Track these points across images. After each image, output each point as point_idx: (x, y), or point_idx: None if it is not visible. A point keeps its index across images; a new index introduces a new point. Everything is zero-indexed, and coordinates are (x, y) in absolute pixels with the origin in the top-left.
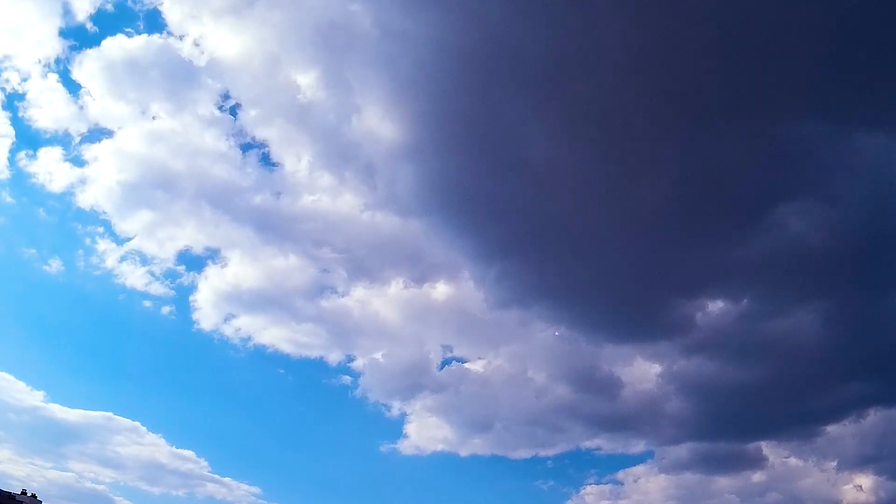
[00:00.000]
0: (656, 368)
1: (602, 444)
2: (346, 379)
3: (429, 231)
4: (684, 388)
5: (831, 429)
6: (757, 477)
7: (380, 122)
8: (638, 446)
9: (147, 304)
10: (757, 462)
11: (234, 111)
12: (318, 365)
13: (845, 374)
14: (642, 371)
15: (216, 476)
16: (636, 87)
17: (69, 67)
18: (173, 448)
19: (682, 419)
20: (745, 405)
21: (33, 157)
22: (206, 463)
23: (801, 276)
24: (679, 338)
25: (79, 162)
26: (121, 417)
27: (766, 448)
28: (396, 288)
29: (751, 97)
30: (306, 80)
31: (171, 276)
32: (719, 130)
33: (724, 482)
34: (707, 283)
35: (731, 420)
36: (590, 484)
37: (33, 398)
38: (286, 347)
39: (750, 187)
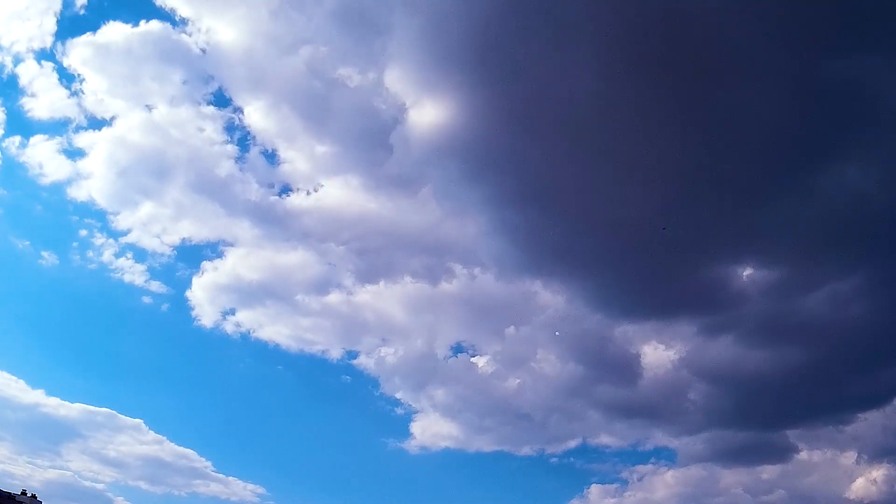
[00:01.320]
0: (677, 349)
1: (613, 438)
2: (349, 376)
3: (437, 191)
4: (707, 372)
5: (866, 416)
6: (772, 471)
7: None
8: (653, 439)
9: (147, 299)
10: (784, 453)
11: (231, 100)
12: (321, 361)
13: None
14: (661, 353)
15: (220, 475)
16: (659, 30)
17: (64, 54)
18: (175, 446)
19: (702, 407)
20: (774, 391)
21: (25, 145)
22: (207, 462)
23: (845, 244)
24: (706, 314)
25: (73, 152)
26: (121, 415)
27: (794, 437)
28: (402, 282)
29: (788, 30)
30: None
31: (169, 270)
32: (754, 72)
33: (731, 478)
34: (740, 250)
35: (756, 408)
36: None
37: (31, 396)
38: (289, 343)
39: (790, 138)
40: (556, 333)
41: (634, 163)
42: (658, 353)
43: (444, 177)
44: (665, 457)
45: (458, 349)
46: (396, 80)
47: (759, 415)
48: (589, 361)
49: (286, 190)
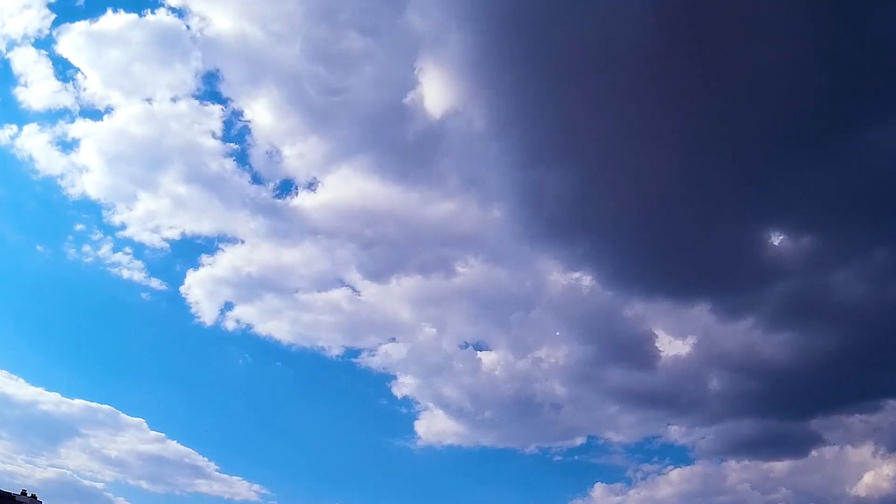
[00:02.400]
0: (694, 332)
1: (621, 435)
2: (353, 372)
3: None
4: (726, 357)
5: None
6: (787, 466)
7: None
8: (664, 436)
9: (145, 295)
10: (803, 446)
11: (230, 91)
12: (324, 357)
13: None
14: (678, 336)
15: (222, 475)
16: None
17: (56, 42)
18: (176, 444)
19: (721, 394)
20: (799, 377)
21: (17, 135)
22: (207, 460)
23: (880, 214)
24: (728, 293)
25: (68, 143)
26: (122, 413)
27: (817, 427)
28: (407, 276)
29: None
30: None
31: (168, 264)
32: (781, 32)
33: (742, 473)
34: (768, 219)
35: (778, 396)
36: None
37: (29, 393)
38: (291, 339)
39: (822, 100)
40: (557, 333)
41: (656, 123)
42: (674, 335)
43: (461, 137)
44: (673, 454)
45: (464, 344)
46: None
47: (781, 403)
48: (600, 346)
49: (288, 183)
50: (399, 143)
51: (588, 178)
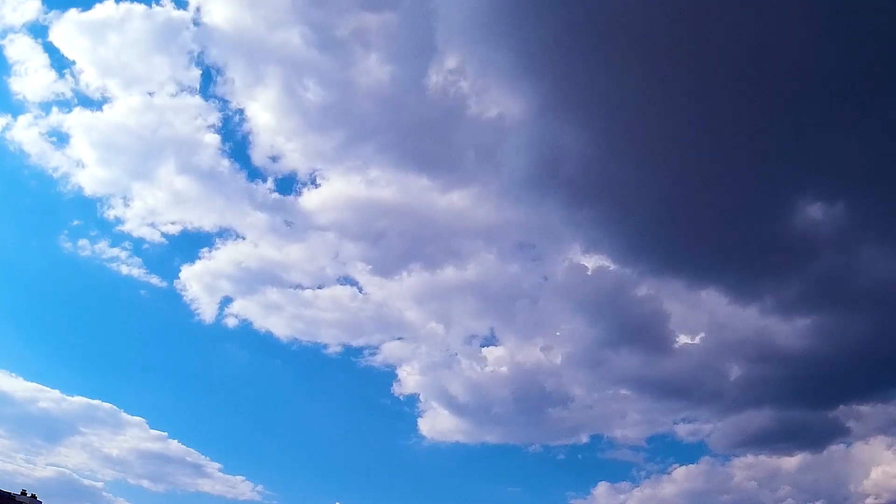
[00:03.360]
0: (714, 314)
1: (628, 431)
2: (357, 369)
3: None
4: (748, 343)
5: None
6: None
7: None
8: (679, 429)
9: (143, 292)
10: (826, 439)
11: (224, 82)
12: (325, 353)
13: None
14: (695, 317)
15: (224, 474)
16: None
17: (49, 32)
18: (178, 443)
19: (741, 382)
20: (826, 365)
21: (10, 126)
22: (208, 459)
23: None
24: (754, 271)
25: (62, 135)
26: (116, 409)
27: (843, 417)
28: (412, 270)
29: None
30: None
31: (167, 259)
32: None
33: (742, 474)
34: (799, 189)
35: (802, 384)
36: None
37: (28, 391)
38: (292, 335)
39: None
40: (557, 333)
41: (679, 86)
42: (690, 319)
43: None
44: (684, 450)
45: (469, 338)
46: None
47: (803, 393)
48: (610, 330)
49: (290, 177)
50: (407, 128)
51: (605, 141)
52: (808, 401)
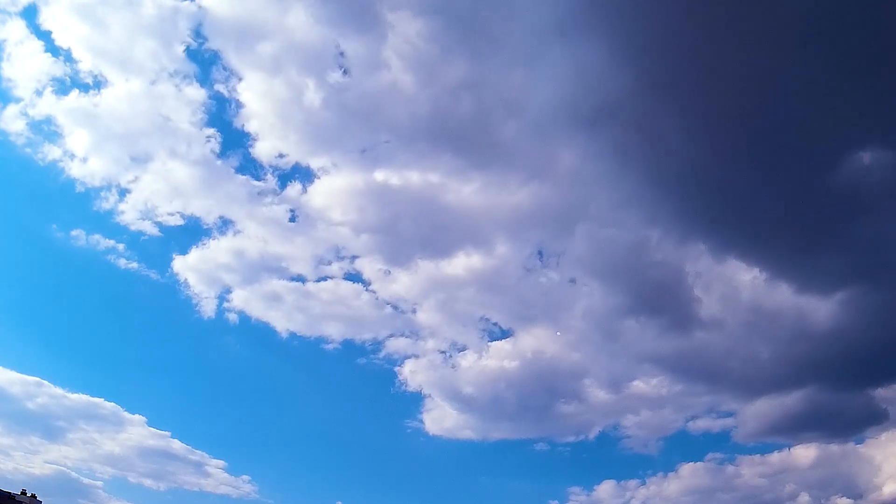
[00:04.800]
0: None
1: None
2: (362, 362)
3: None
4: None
5: None
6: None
7: None
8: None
9: (143, 285)
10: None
11: (227, 70)
12: (325, 349)
13: None
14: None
15: (225, 474)
16: None
17: (40, 14)
18: (180, 442)
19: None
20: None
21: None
22: (209, 456)
23: None
24: (798, 233)
25: (53, 122)
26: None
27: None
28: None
29: None
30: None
31: (163, 251)
32: None
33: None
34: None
35: (839, 364)
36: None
37: (27, 387)
38: (294, 329)
39: None
40: (557, 333)
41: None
42: (718, 291)
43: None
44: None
45: (479, 332)
46: None
47: (840, 372)
48: (630, 298)
49: (291, 167)
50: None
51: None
52: (844, 383)
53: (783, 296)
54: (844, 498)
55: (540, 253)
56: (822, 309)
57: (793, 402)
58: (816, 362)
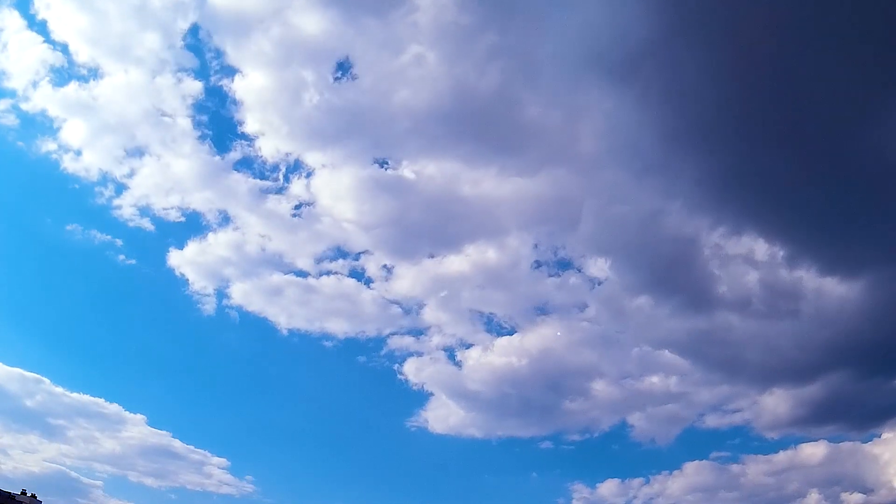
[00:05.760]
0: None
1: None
2: (365, 359)
3: None
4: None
5: None
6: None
7: None
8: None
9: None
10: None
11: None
12: (330, 347)
13: None
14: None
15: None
16: None
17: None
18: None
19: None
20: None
21: None
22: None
23: None
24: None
25: (47, 114)
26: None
27: None
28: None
29: None
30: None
31: (160, 244)
32: None
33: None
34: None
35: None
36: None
37: (27, 385)
38: (296, 325)
39: None
40: (558, 334)
41: None
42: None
43: None
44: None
45: (486, 326)
46: None
47: (865, 360)
48: (647, 284)
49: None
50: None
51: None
52: (868, 372)
53: (805, 276)
54: (856, 493)
55: (548, 244)
56: (845, 291)
57: (813, 392)
58: (840, 349)
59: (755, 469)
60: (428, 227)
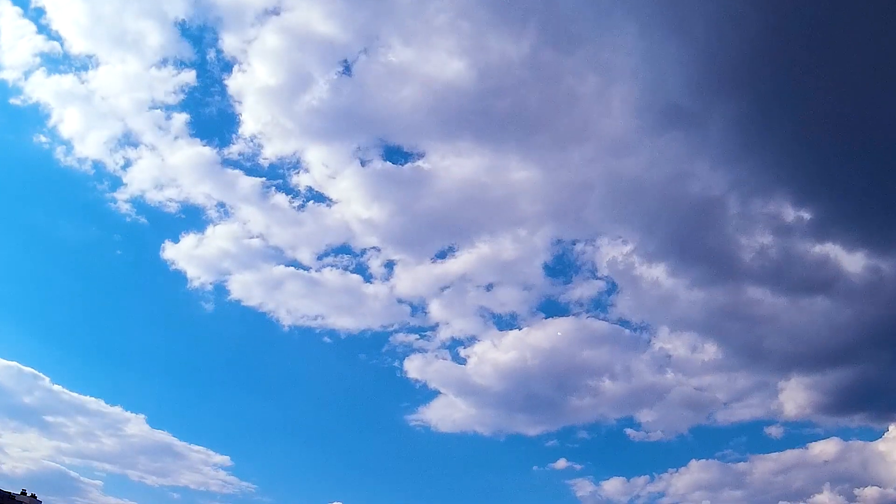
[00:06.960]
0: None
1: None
2: (368, 355)
3: None
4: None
5: None
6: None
7: None
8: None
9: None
10: None
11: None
12: (330, 343)
13: None
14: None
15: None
16: None
17: None
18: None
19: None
20: None
21: None
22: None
23: None
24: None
25: (43, 104)
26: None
27: None
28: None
29: None
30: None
31: (157, 236)
32: None
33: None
34: None
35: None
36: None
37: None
38: (297, 320)
39: None
40: (559, 333)
41: None
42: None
43: None
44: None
45: (496, 322)
46: None
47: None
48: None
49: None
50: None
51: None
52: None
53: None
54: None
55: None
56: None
57: (840, 378)
58: (871, 332)
59: (762, 467)
60: (438, 220)
